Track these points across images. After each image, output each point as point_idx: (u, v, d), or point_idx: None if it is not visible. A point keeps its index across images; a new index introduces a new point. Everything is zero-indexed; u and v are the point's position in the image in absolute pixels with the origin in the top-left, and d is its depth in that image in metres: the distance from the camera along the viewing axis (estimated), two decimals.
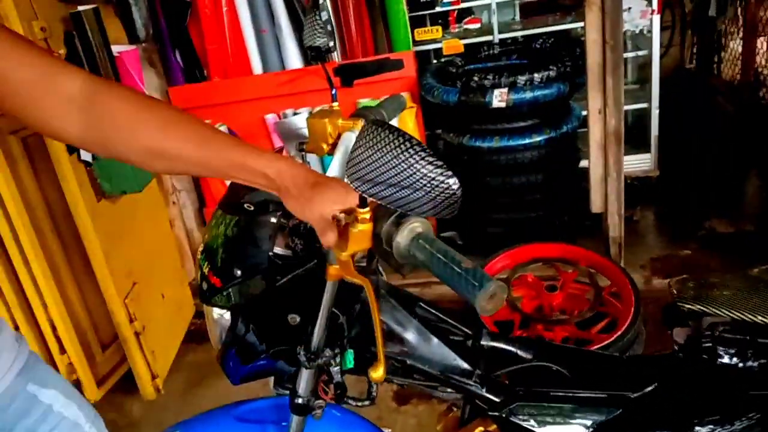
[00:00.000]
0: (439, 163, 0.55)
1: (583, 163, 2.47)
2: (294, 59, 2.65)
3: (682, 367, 0.89)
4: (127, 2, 2.39)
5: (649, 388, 0.89)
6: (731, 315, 0.83)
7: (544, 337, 1.94)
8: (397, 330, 0.96)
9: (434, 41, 2.84)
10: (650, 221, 2.76)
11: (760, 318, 0.81)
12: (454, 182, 0.55)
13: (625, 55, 3.10)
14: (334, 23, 2.54)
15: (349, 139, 1.07)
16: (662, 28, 5.25)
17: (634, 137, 3.14)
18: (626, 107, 3.09)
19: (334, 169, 1.06)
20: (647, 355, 1.57)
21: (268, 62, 2.66)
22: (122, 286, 2.00)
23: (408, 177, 0.56)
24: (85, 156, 1.88)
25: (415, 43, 2.76)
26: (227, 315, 0.94)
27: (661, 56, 5.01)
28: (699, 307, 0.84)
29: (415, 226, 0.67)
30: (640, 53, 3.08)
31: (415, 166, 0.55)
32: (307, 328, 0.89)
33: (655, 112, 2.97)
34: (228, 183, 1.05)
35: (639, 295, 1.93)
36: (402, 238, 0.67)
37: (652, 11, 2.86)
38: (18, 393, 0.83)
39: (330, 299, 0.86)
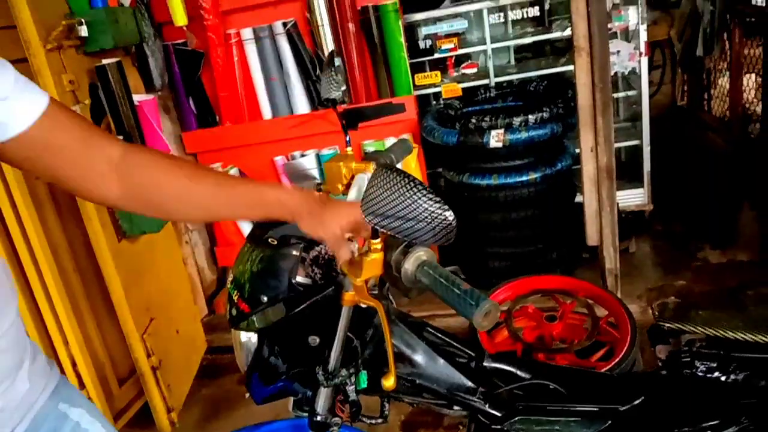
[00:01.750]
0: (438, 199, 0.67)
1: (579, 198, 2.58)
2: (301, 104, 2.79)
3: (666, 381, 0.98)
4: (145, 54, 2.54)
5: (637, 402, 0.97)
6: (707, 332, 0.93)
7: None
8: (407, 352, 1.06)
9: (434, 85, 2.98)
10: (645, 253, 2.85)
11: (730, 334, 0.90)
12: (450, 214, 0.67)
13: (617, 95, 3.25)
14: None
15: (362, 179, 1.19)
16: (654, 68, 5.45)
17: (628, 172, 3.26)
18: (619, 144, 3.23)
19: None
20: (635, 372, 1.65)
21: (277, 107, 2.81)
22: (140, 322, 2.10)
23: (412, 211, 0.68)
24: None
25: (416, 87, 2.90)
26: (254, 338, 1.03)
27: (653, 94, 5.19)
28: (677, 326, 0.94)
29: (420, 255, 0.79)
30: (630, 93, 3.21)
31: (418, 201, 0.67)
32: (325, 350, 0.98)
33: (646, 149, 3.09)
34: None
35: (635, 324, 2.01)
36: (409, 265, 0.79)
37: (640, 54, 3.01)
38: (50, 411, 0.92)
39: (345, 323, 0.95)
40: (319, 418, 1.02)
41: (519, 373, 1.09)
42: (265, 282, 0.98)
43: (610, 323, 2.14)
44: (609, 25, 2.90)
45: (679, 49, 4.66)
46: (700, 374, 0.94)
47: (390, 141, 2.72)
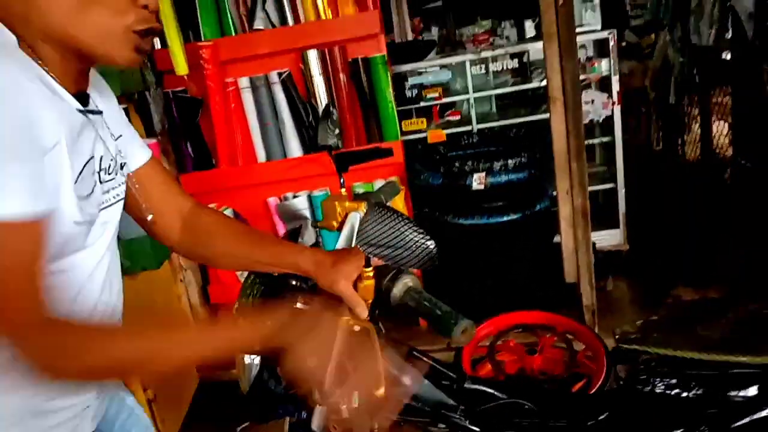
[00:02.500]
0: (421, 230, 0.81)
1: (557, 238, 2.73)
2: (294, 148, 2.93)
3: (628, 397, 1.10)
4: (146, 100, 2.69)
5: (602, 417, 1.09)
6: (662, 353, 1.05)
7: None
8: (395, 373, 1.17)
9: (420, 131, 3.15)
10: (622, 290, 2.99)
11: (679, 353, 1.02)
12: (431, 243, 0.80)
13: (593, 141, 3.44)
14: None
15: (354, 217, 1.31)
16: (629, 114, 5.71)
17: (605, 214, 3.43)
18: (595, 187, 3.41)
19: (342, 241, 1.30)
20: (601, 391, 1.76)
21: (271, 151, 2.95)
22: None
23: (400, 240, 0.81)
24: None
25: (403, 133, 3.06)
26: (256, 360, 1.14)
27: (629, 140, 5.43)
28: (635, 347, 1.06)
29: (407, 281, 0.92)
30: (605, 139, 3.40)
31: (405, 232, 0.81)
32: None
33: (621, 192, 3.26)
34: None
35: (610, 357, 2.12)
36: (397, 290, 0.92)
37: (613, 103, 3.21)
38: (115, 396, 1.12)
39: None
40: None
41: (496, 393, 1.19)
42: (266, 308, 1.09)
43: (588, 356, 2.25)
44: (584, 76, 3.12)
45: (654, 97, 4.92)
46: (659, 391, 1.05)
47: (379, 183, 2.86)
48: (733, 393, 1.06)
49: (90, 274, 0.89)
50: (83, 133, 0.85)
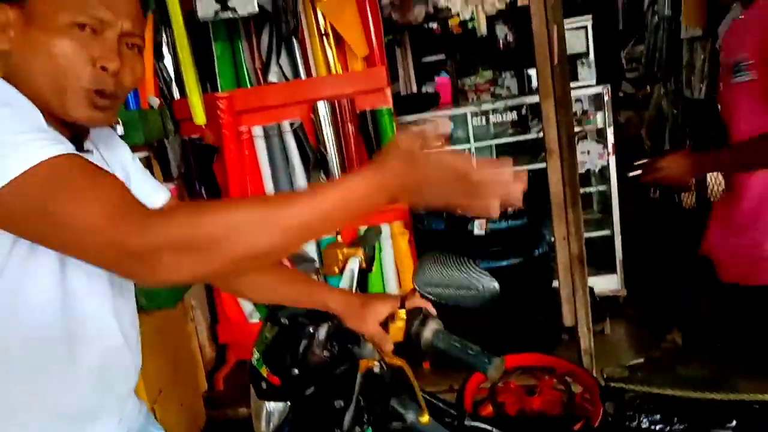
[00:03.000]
0: (485, 272, 0.91)
1: (556, 283, 2.82)
2: None
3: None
4: (165, 146, 2.84)
5: None
6: (646, 390, 1.15)
7: None
8: (401, 410, 1.26)
9: None
10: (619, 334, 3.07)
11: (661, 390, 1.12)
12: (495, 283, 0.90)
13: (589, 189, 3.58)
14: (337, 159, 3.00)
15: (354, 262, 1.42)
16: (627, 162, 5.85)
17: (603, 260, 3.53)
18: (593, 234, 3.52)
19: (344, 283, 1.40)
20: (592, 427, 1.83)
21: None
22: (152, 392, 2.25)
23: (465, 281, 0.91)
24: None
25: None
26: (278, 407, 1.22)
27: (627, 186, 5.57)
28: (622, 385, 1.15)
29: (435, 326, 1.02)
30: (601, 188, 3.53)
31: (471, 274, 0.91)
32: (345, 411, 1.17)
33: (618, 239, 3.37)
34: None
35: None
36: (428, 333, 1.01)
37: (608, 153, 3.36)
38: (143, 429, 1.13)
39: (359, 387, 1.16)
40: None
41: (494, 429, 1.29)
42: (291, 355, 1.18)
43: (586, 398, 2.32)
44: (580, 128, 3.27)
45: (649, 146, 5.08)
46: (645, 426, 1.15)
47: (385, 227, 2.97)
48: (714, 430, 1.15)
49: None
50: None
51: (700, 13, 3.61)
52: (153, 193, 1.14)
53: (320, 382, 1.15)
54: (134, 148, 2.36)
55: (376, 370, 1.14)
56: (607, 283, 3.37)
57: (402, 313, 1.02)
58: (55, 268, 0.87)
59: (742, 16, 1.78)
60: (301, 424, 1.19)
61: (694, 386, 1.15)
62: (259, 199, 0.84)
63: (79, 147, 0.93)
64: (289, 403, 1.20)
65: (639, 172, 1.83)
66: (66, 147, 0.76)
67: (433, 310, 1.04)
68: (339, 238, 1.67)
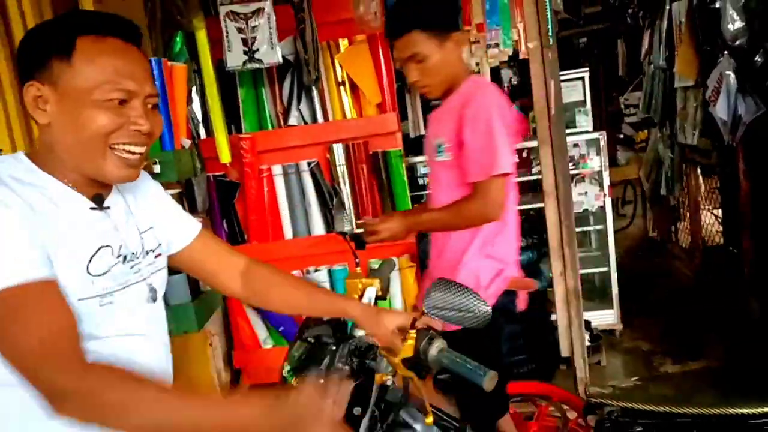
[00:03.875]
0: (481, 299, 1.11)
1: (554, 316, 3.00)
2: (318, 228, 3.27)
3: None
4: (191, 183, 3.07)
5: None
6: (622, 405, 1.33)
7: None
8: (409, 421, 1.44)
9: None
10: (615, 366, 3.23)
11: (641, 406, 1.31)
12: (488, 308, 1.11)
13: (587, 228, 3.77)
14: (350, 196, 3.21)
15: (371, 291, 1.62)
16: (626, 203, 6.07)
17: (601, 295, 3.71)
18: (590, 270, 3.70)
19: None
20: None
21: (297, 229, 3.29)
22: None
23: (464, 305, 1.12)
24: None
25: None
26: None
27: (626, 227, 5.77)
28: (601, 401, 1.34)
29: (440, 344, 1.22)
30: (598, 227, 3.73)
31: (469, 299, 1.11)
32: (358, 419, 1.35)
33: (614, 275, 3.55)
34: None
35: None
36: (433, 350, 1.21)
37: (604, 195, 3.56)
38: None
39: (375, 397, 1.34)
40: None
41: None
42: (318, 368, 1.36)
43: (580, 424, 2.48)
44: (577, 171, 3.49)
45: (648, 187, 5.29)
46: None
47: (394, 259, 3.16)
48: None
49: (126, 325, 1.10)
50: (94, 223, 1.07)
51: (693, 64, 3.85)
52: (186, 226, 1.31)
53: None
54: (167, 185, 2.60)
55: (389, 383, 1.33)
56: (604, 318, 3.53)
57: (413, 333, 1.22)
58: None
59: (442, 105, 2.09)
60: None
61: (667, 402, 1.33)
62: (161, 393, 0.95)
63: (100, 202, 1.08)
64: None
65: (361, 230, 2.08)
66: (33, 272, 0.92)
67: (438, 326, 1.24)
68: (358, 269, 1.87)
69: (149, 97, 1.07)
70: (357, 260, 1.91)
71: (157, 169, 2.44)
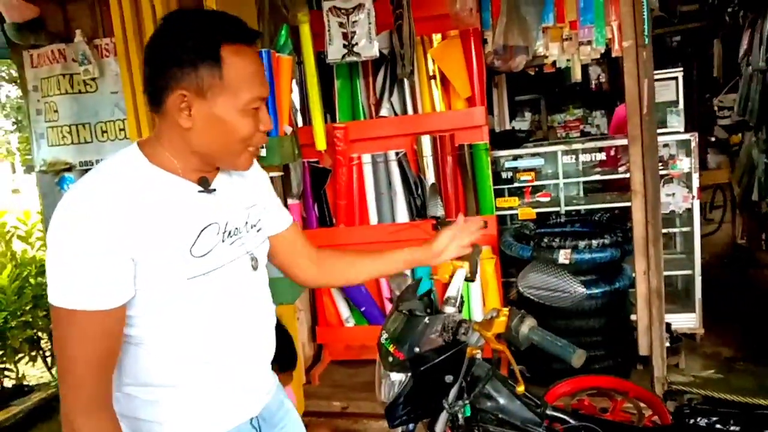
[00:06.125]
0: (577, 281, 1.22)
1: (633, 316, 3.00)
2: (402, 215, 3.42)
3: (678, 430, 1.43)
4: (289, 169, 3.28)
5: None
6: (702, 393, 1.39)
7: None
8: (494, 394, 1.55)
9: (512, 208, 3.56)
10: (694, 370, 3.17)
11: (717, 394, 1.36)
12: (583, 289, 1.21)
13: (673, 230, 3.71)
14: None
15: (460, 272, 1.73)
16: (714, 207, 5.87)
17: (684, 298, 3.65)
18: (674, 272, 3.65)
19: (453, 287, 1.71)
20: (655, 426, 2.02)
21: (383, 216, 3.45)
22: None
23: (559, 286, 1.22)
24: None
25: (497, 208, 3.47)
26: (397, 378, 1.52)
27: (714, 232, 5.58)
28: (680, 388, 1.40)
29: (531, 323, 1.32)
30: (685, 229, 3.66)
31: (565, 280, 1.22)
32: (452, 386, 1.47)
33: (698, 279, 3.48)
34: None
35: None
36: (524, 328, 1.31)
37: (693, 197, 3.50)
38: (276, 397, 1.43)
39: (465, 368, 1.46)
40: None
41: (570, 420, 1.55)
42: (413, 338, 1.49)
43: (654, 422, 2.50)
44: (666, 172, 3.44)
45: (738, 192, 5.10)
46: (702, 425, 1.39)
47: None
48: None
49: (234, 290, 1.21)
50: (200, 205, 1.15)
51: None
52: (281, 216, 1.42)
53: (435, 360, 1.46)
54: (270, 169, 2.81)
55: (479, 357, 1.45)
56: (685, 321, 3.48)
57: (505, 310, 1.33)
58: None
59: None
60: (417, 392, 1.50)
61: (747, 394, 1.37)
62: None
63: (206, 184, 1.17)
64: (409, 375, 1.51)
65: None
66: (86, 303, 1.02)
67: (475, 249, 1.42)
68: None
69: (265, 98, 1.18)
70: None
71: (263, 152, 2.65)
